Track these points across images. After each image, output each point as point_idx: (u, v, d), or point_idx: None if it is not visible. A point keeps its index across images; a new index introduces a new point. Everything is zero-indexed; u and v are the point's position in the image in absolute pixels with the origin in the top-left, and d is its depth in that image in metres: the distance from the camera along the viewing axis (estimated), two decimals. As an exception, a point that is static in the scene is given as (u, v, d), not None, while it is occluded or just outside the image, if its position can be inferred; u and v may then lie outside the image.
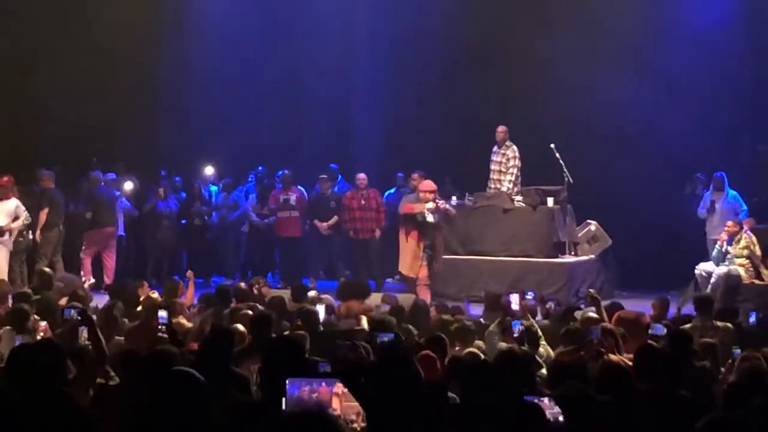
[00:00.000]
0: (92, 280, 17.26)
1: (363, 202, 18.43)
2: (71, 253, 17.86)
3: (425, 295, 15.03)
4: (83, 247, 17.66)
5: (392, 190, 19.73)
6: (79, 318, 8.62)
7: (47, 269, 15.00)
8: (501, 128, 17.42)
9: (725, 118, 19.13)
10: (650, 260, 18.20)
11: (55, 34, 20.13)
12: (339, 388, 6.34)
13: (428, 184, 16.09)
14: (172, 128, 20.94)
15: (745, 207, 17.47)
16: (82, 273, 17.32)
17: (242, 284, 13.90)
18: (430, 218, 15.71)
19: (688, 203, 18.45)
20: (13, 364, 5.91)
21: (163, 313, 9.34)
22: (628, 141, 19.15)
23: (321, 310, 11.27)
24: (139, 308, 11.84)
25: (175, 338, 8.46)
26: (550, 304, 12.86)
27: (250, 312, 10.31)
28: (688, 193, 18.64)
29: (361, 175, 18.63)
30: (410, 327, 10.06)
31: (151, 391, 5.31)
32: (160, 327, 9.08)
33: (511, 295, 10.92)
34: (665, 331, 9.49)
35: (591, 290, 12.27)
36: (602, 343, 8.97)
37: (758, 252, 16.13)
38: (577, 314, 11.27)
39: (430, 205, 15.74)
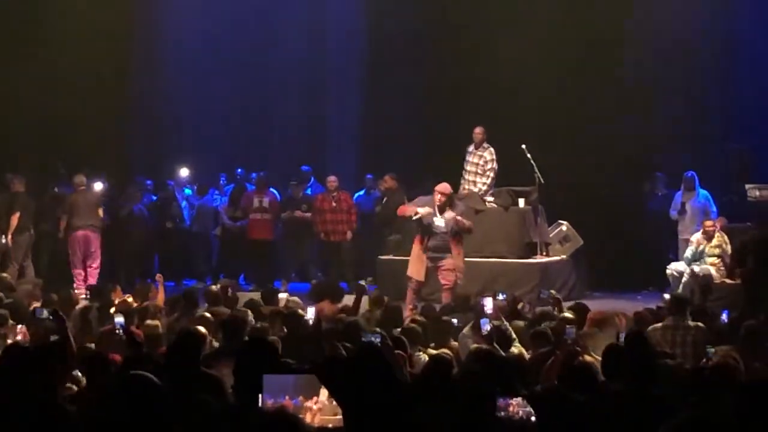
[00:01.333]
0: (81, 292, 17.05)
1: (334, 204, 18.41)
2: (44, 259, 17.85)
3: (446, 299, 14.30)
4: (71, 258, 17.47)
5: (361, 192, 19.72)
6: (51, 318, 8.54)
7: (5, 274, 14.88)
8: (478, 129, 17.22)
9: (695, 117, 19.24)
10: (621, 260, 18.26)
11: (23, 36, 20.00)
12: (311, 402, 6.28)
13: (442, 187, 14.75)
14: (143, 131, 20.85)
15: (714, 208, 17.55)
16: (75, 286, 16.85)
17: (213, 287, 13.80)
18: (439, 222, 14.49)
19: (647, 202, 18.62)
20: None
21: (119, 319, 9.24)
22: (598, 141, 19.19)
23: (310, 312, 11.22)
24: (113, 310, 11.77)
25: (134, 343, 8.37)
26: (522, 304, 12.88)
27: (208, 314, 10.25)
28: (647, 191, 18.79)
29: (331, 178, 18.60)
30: (378, 330, 10.00)
31: (108, 396, 5.27)
32: (117, 331, 8.99)
33: (484, 299, 10.92)
34: None
35: (552, 291, 12.33)
36: (577, 343, 9.00)
37: (729, 251, 16.21)
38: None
39: (423, 210, 14.50)
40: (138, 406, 5.03)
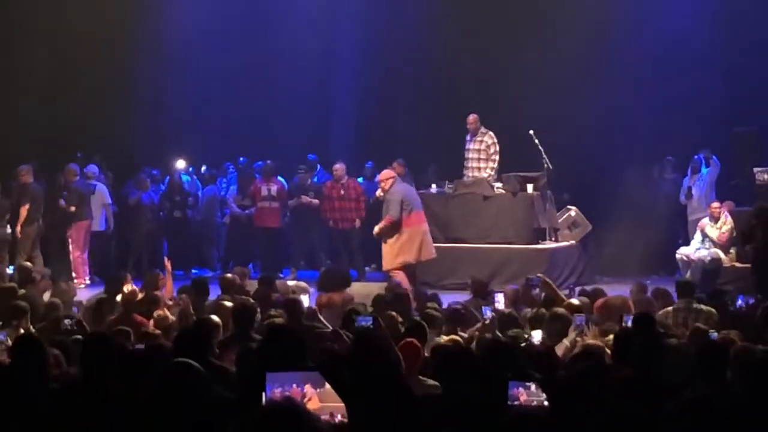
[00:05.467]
0: (87, 282, 17.30)
1: (343, 192, 18.35)
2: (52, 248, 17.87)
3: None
4: (71, 247, 17.56)
5: (360, 180, 19.53)
6: (75, 327, 9.08)
7: (27, 263, 14.90)
8: (471, 118, 17.22)
9: (703, 102, 19.21)
10: (630, 245, 18.22)
11: (27, 27, 20.06)
12: (312, 389, 6.25)
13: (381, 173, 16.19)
14: (147, 120, 20.83)
15: (715, 169, 17.65)
16: (74, 274, 17.27)
17: (228, 275, 13.71)
18: None
19: (656, 186, 18.65)
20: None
21: None
22: (607, 126, 19.18)
23: (305, 299, 11.27)
24: (119, 298, 11.78)
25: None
26: (537, 291, 12.82)
27: (228, 303, 10.25)
28: (656, 176, 18.79)
29: (338, 165, 18.50)
30: (393, 313, 9.95)
31: (151, 384, 5.29)
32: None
33: (496, 294, 10.96)
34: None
35: (541, 275, 12.34)
36: (583, 331, 9.01)
37: (726, 233, 16.29)
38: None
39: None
40: (188, 392, 5.06)
